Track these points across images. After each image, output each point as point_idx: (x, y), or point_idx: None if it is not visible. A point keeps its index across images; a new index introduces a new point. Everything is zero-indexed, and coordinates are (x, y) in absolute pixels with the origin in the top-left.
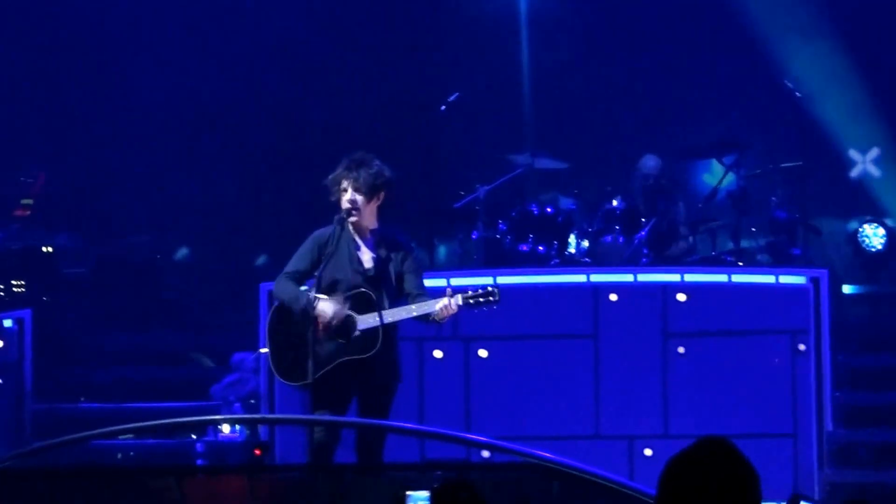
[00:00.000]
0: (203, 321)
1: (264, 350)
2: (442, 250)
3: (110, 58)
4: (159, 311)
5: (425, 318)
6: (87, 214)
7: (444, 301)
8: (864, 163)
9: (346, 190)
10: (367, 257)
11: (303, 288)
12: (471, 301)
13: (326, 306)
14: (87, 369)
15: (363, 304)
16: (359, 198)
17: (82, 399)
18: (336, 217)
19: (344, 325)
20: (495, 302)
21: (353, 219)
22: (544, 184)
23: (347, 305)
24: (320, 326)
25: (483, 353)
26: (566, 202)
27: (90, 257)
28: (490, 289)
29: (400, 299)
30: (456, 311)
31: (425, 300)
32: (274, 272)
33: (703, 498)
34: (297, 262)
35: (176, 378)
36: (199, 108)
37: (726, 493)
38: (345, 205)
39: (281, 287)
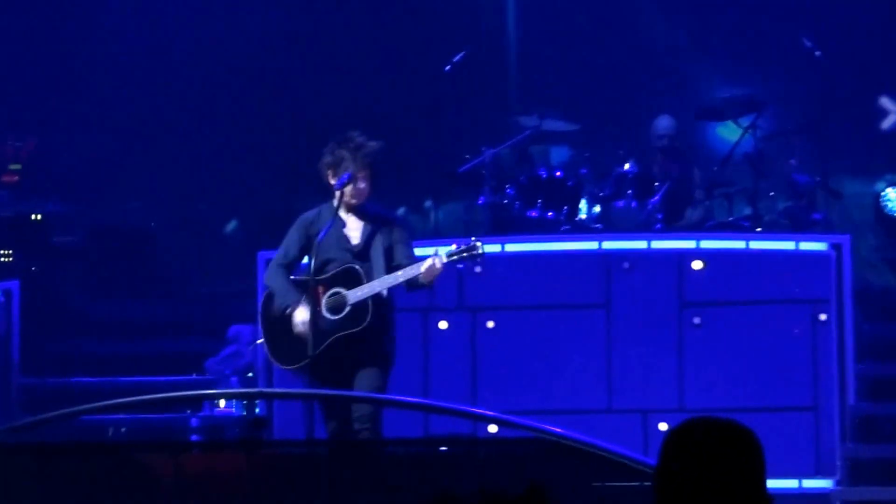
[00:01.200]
0: (199, 291)
1: (260, 341)
2: (446, 217)
3: (102, 20)
4: (153, 280)
5: (415, 284)
6: (79, 180)
7: (428, 262)
8: None
9: (355, 178)
10: (354, 234)
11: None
12: (454, 257)
13: (299, 316)
14: (77, 341)
15: (351, 279)
16: (364, 183)
17: (73, 372)
18: (333, 201)
19: (334, 306)
20: (478, 255)
21: (353, 202)
22: (554, 147)
23: (324, 307)
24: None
25: (490, 324)
26: (575, 166)
27: (82, 225)
28: (473, 241)
29: (391, 272)
30: (441, 269)
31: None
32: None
33: (698, 477)
34: (286, 249)
35: (170, 351)
36: (194, 69)
37: (721, 470)
38: (357, 193)
39: (271, 279)
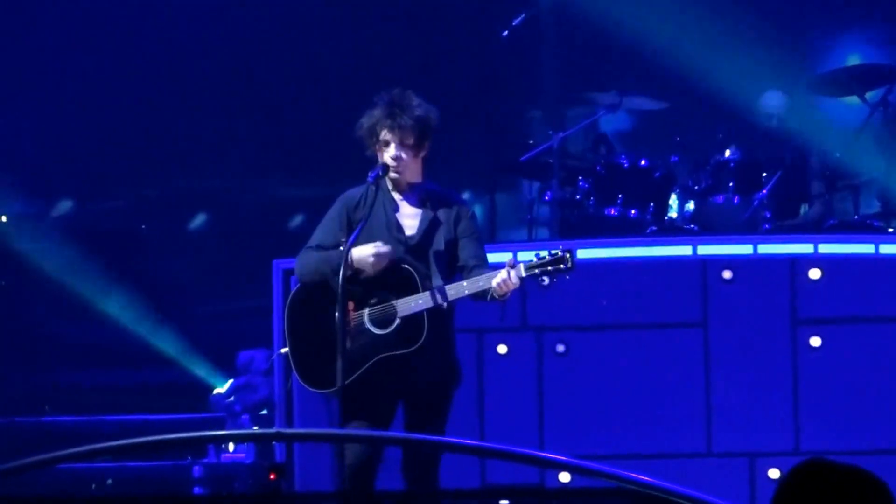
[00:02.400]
0: (201, 309)
1: (284, 350)
2: (504, 216)
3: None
4: (144, 296)
5: (482, 297)
6: (50, 175)
7: (503, 273)
8: None
9: (387, 143)
10: (409, 221)
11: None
12: (536, 270)
13: (366, 250)
14: (54, 371)
15: (403, 283)
16: (404, 152)
17: (47, 409)
18: (370, 174)
19: (380, 317)
20: (568, 270)
21: (394, 175)
22: (637, 130)
23: (367, 317)
24: (371, 271)
25: (560, 347)
26: (664, 153)
27: (55, 228)
28: (559, 253)
29: (454, 275)
30: (518, 283)
31: (485, 274)
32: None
33: None
34: (322, 233)
35: (166, 382)
36: (193, 36)
37: None
38: (387, 161)
39: (304, 261)
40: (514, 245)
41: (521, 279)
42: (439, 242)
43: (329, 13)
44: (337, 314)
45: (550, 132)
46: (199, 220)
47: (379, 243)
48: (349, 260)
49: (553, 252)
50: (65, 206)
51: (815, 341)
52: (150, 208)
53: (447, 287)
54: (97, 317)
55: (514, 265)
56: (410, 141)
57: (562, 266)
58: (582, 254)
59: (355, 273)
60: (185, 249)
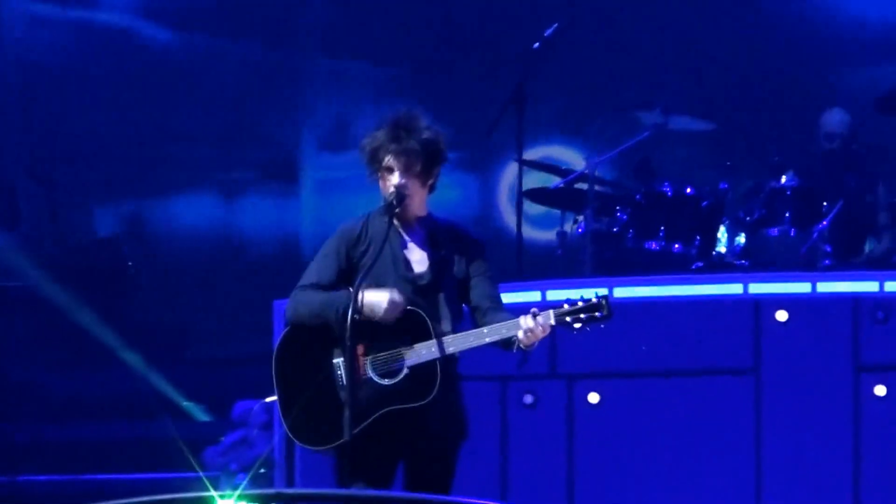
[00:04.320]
0: (192, 356)
1: (272, 399)
2: (532, 250)
3: None
4: (130, 342)
5: (504, 345)
6: (25, 199)
7: (529, 321)
8: None
9: (390, 169)
10: (417, 257)
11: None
12: (567, 318)
13: (379, 297)
14: (29, 426)
15: (413, 328)
16: (409, 180)
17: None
18: (378, 207)
19: (386, 367)
20: (604, 318)
21: (398, 208)
22: (683, 153)
23: (371, 366)
24: (381, 318)
25: (593, 397)
26: (713, 179)
27: (32, 264)
28: (595, 300)
29: (463, 317)
30: (547, 332)
31: (503, 317)
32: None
33: None
34: (318, 270)
35: (154, 437)
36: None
37: None
38: (389, 189)
39: (298, 300)
40: (541, 283)
41: (552, 327)
42: (450, 282)
43: None
44: (343, 363)
45: (586, 155)
46: (192, 257)
47: (395, 290)
48: (359, 304)
49: (587, 298)
50: (40, 235)
51: (880, 390)
52: (137, 242)
53: (464, 334)
54: (79, 364)
55: (537, 314)
56: (417, 168)
57: (597, 314)
58: (619, 293)
59: (360, 317)
60: (176, 288)
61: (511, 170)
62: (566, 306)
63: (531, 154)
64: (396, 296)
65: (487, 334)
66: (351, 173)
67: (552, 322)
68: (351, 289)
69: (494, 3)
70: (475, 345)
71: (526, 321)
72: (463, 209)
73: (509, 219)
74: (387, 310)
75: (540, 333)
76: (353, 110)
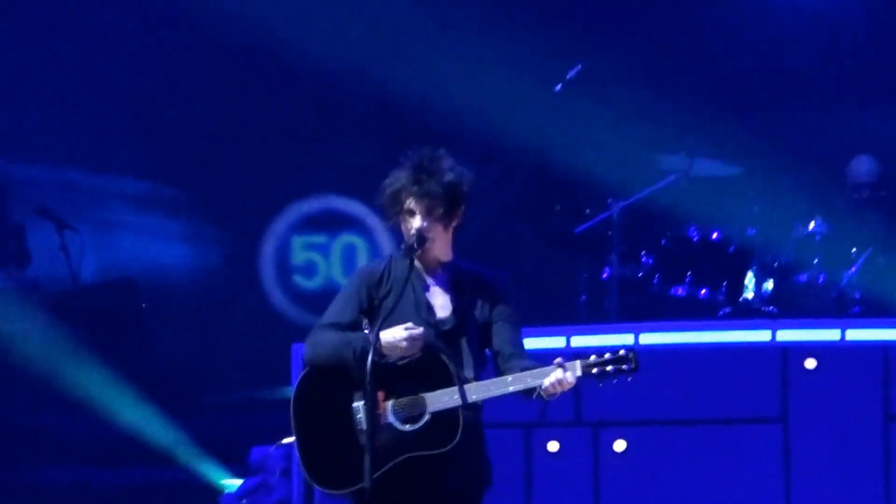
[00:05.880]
0: (207, 399)
1: (288, 440)
2: (552, 296)
3: None
4: (141, 384)
5: (527, 393)
6: (35, 239)
7: (558, 373)
8: None
9: (411, 212)
10: (440, 301)
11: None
12: (593, 371)
13: (394, 332)
14: (29, 470)
15: (435, 374)
16: (432, 224)
17: None
18: (398, 250)
19: (407, 413)
20: (631, 371)
21: (418, 251)
22: (708, 198)
23: (391, 411)
24: (401, 355)
25: (619, 445)
26: (740, 224)
27: (33, 300)
28: (623, 352)
29: (485, 363)
30: (573, 384)
31: (526, 365)
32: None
33: None
34: (338, 310)
35: (165, 483)
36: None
37: None
38: (412, 232)
39: (316, 339)
40: (566, 329)
41: (577, 379)
42: (473, 328)
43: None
44: (363, 407)
45: (609, 200)
46: (207, 297)
47: (410, 324)
48: (378, 345)
49: (614, 349)
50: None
51: None
52: (152, 279)
53: (487, 383)
54: (87, 407)
55: (562, 364)
56: (440, 211)
57: (624, 367)
58: (645, 339)
59: (382, 353)
60: (191, 328)
61: None
62: (593, 357)
63: None
64: (415, 329)
65: (511, 383)
66: None
67: (579, 373)
68: (368, 331)
69: None
70: (498, 394)
71: (555, 373)
72: None
73: None
74: (406, 347)
75: (566, 385)
76: None
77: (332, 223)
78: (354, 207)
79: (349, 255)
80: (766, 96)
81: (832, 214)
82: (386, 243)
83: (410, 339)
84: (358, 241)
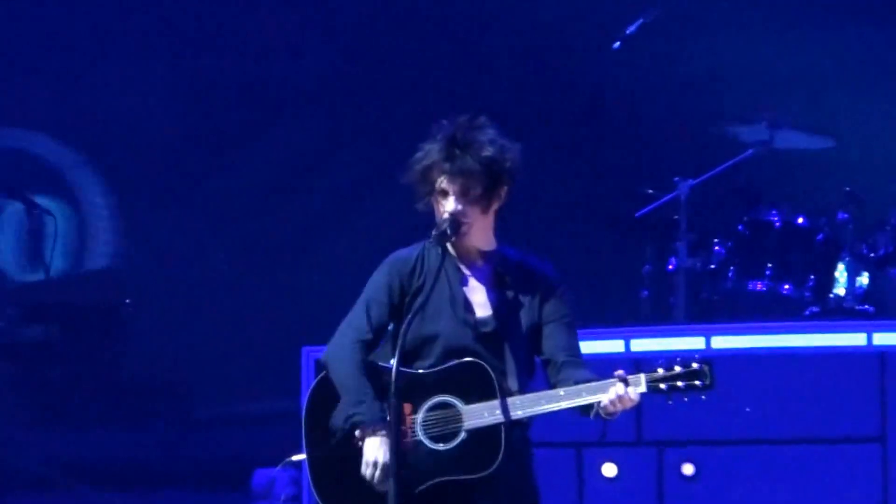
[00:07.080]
0: (205, 414)
1: (299, 458)
2: (608, 290)
3: None
4: (129, 398)
5: (583, 411)
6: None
7: (619, 388)
8: None
9: (444, 193)
10: (480, 298)
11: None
12: (661, 386)
13: (377, 453)
14: (23, 495)
15: (473, 383)
16: (467, 206)
17: None
18: (430, 237)
19: (440, 428)
20: (705, 388)
21: (453, 237)
22: (793, 176)
23: (420, 427)
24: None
25: (687, 468)
26: (829, 208)
27: (11, 303)
28: (695, 366)
29: (534, 370)
30: (636, 402)
31: (582, 376)
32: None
33: None
34: (366, 309)
35: None
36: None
37: None
38: (444, 216)
39: (339, 354)
40: (624, 331)
41: (641, 395)
42: (519, 329)
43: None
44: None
45: (676, 179)
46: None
47: (387, 451)
48: (363, 434)
49: (686, 361)
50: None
51: None
52: (138, 276)
53: (535, 396)
54: (73, 422)
55: (624, 378)
56: (477, 192)
57: (697, 382)
58: (717, 343)
59: (411, 356)
60: (182, 331)
61: None
62: (660, 371)
63: None
64: (385, 461)
65: (564, 398)
66: None
67: (643, 389)
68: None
69: None
70: (548, 410)
71: (616, 389)
72: None
73: None
74: (370, 471)
75: (628, 403)
76: None
77: None
78: None
79: None
80: (858, 59)
81: None
82: None
83: (378, 468)
84: None
